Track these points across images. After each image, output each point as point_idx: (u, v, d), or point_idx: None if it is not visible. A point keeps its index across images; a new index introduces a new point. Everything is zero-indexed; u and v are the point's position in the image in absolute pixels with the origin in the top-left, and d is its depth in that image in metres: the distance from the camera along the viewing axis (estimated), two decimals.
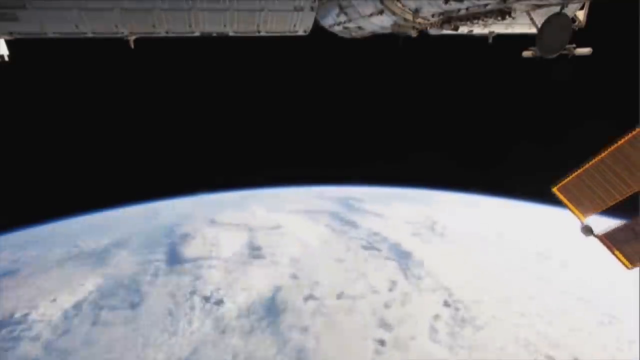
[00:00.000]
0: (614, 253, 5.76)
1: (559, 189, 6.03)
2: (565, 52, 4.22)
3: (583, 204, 5.75)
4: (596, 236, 5.86)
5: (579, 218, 5.89)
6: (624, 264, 5.76)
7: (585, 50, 4.47)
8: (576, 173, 5.70)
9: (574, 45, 4.34)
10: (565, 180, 5.90)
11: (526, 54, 4.55)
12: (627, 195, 5.26)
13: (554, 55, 4.12)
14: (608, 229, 5.77)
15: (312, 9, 5.13)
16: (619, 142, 5.11)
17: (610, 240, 5.75)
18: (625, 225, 5.64)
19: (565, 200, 5.96)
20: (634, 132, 4.91)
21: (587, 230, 5.81)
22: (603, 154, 5.31)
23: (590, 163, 5.48)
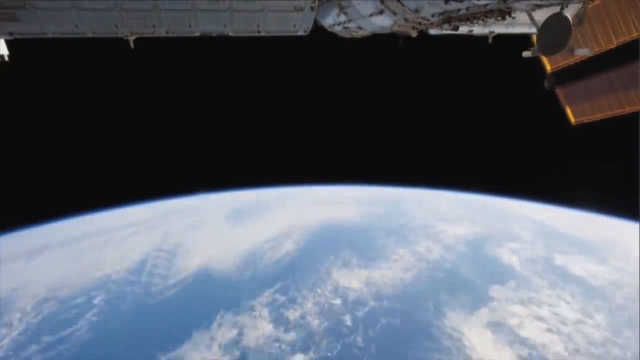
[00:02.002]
0: (565, 108, 6.21)
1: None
2: (565, 52, 4.22)
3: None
4: (556, 89, 6.08)
5: (546, 67, 6.05)
6: (569, 118, 6.20)
7: (585, 50, 4.47)
8: None
9: (574, 46, 4.34)
10: None
11: (526, 54, 4.55)
12: (595, 51, 5.25)
13: (554, 55, 4.12)
14: (566, 86, 6.02)
15: (312, 9, 5.12)
16: None
17: (565, 96, 6.04)
18: (579, 85, 5.79)
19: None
20: None
21: (551, 82, 5.96)
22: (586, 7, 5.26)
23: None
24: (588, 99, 5.70)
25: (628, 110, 5.35)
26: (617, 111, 5.42)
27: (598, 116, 5.69)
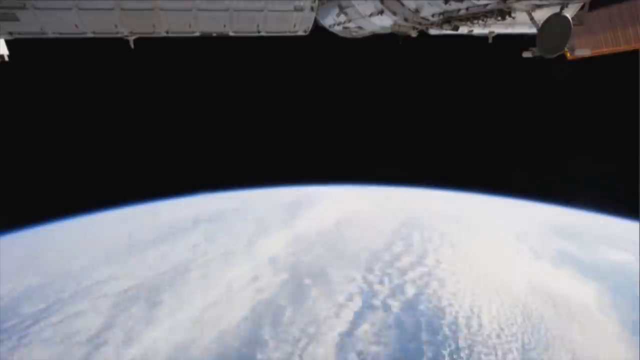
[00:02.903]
0: None
1: None
2: (565, 52, 4.21)
3: None
4: None
5: None
6: (565, 53, 6.15)
7: (586, 51, 4.46)
8: None
9: (574, 46, 4.34)
10: None
11: (526, 54, 4.54)
12: None
13: (554, 55, 4.12)
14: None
15: (312, 9, 5.12)
16: None
17: None
18: (577, 21, 5.75)
19: None
20: None
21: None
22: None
23: None
24: (586, 35, 5.60)
25: (625, 48, 5.29)
26: (615, 48, 5.36)
27: (596, 53, 5.60)
